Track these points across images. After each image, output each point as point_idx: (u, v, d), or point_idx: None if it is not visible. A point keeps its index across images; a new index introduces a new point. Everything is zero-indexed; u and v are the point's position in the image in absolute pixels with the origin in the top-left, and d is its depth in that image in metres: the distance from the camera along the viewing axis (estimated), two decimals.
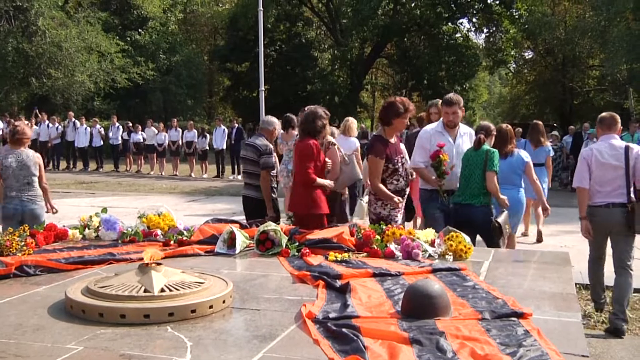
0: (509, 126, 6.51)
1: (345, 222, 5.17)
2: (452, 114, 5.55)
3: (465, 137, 5.71)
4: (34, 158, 6.04)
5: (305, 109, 5.69)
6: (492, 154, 5.34)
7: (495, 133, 5.79)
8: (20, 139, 6.02)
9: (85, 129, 21.01)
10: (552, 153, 9.03)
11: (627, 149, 5.21)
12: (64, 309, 2.73)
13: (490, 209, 5.40)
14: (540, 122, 9.26)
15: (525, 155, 6.23)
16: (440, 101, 6.21)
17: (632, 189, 5.14)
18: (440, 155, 5.25)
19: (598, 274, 5.54)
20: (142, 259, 2.95)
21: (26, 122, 9.88)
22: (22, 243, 3.76)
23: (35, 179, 6.02)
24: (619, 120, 5.46)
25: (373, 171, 5.10)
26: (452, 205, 5.49)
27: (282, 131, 7.16)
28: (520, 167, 6.08)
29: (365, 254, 3.85)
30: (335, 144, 5.77)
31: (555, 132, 18.59)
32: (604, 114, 5.63)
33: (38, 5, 25.88)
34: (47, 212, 6.20)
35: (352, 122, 8.42)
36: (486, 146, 5.44)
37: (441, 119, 5.74)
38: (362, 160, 7.27)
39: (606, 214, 5.18)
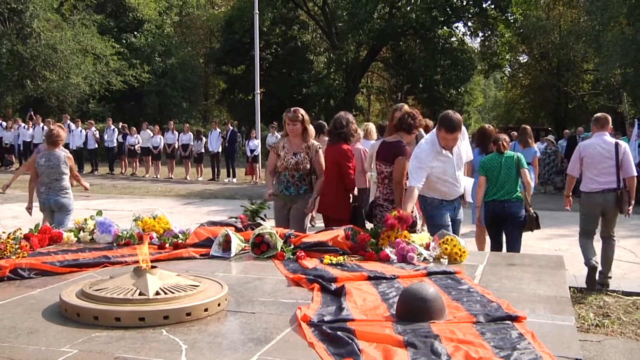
0: (491, 126, 7.58)
1: (363, 225, 5.30)
2: (452, 140, 5.09)
3: (459, 141, 5.62)
4: (64, 158, 6.86)
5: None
6: (520, 156, 6.36)
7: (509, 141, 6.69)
8: (55, 141, 6.86)
9: (80, 131, 20.97)
10: (538, 154, 10.34)
11: (616, 145, 6.38)
12: (58, 312, 2.73)
13: (523, 203, 6.22)
14: (528, 127, 10.54)
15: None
16: (406, 106, 6.22)
17: (620, 177, 6.30)
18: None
19: (589, 244, 6.59)
20: (136, 262, 2.95)
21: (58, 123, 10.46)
22: (17, 246, 3.75)
23: (64, 176, 6.86)
24: (610, 120, 6.61)
25: (404, 172, 5.23)
26: (487, 204, 6.23)
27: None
28: None
29: (360, 257, 3.85)
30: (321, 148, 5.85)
31: (550, 137, 18.64)
32: (598, 114, 6.74)
33: (33, 8, 25.84)
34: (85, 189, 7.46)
35: (372, 126, 9.05)
36: (509, 151, 6.38)
37: (433, 131, 5.23)
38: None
39: (602, 197, 6.38)
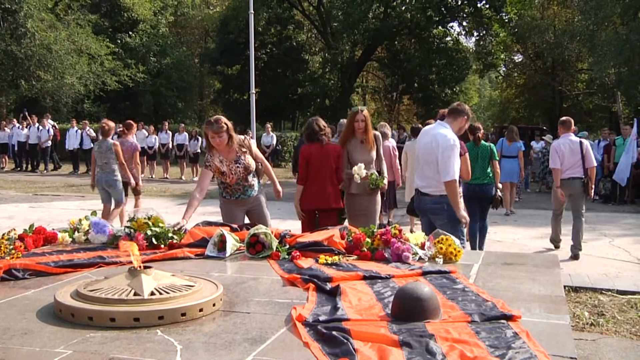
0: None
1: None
2: None
3: None
4: (110, 146, 8.71)
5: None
6: (493, 147, 7.84)
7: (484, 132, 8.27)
8: (105, 132, 8.89)
9: (76, 131, 20.91)
10: (523, 148, 12.25)
11: (580, 143, 8.15)
12: (52, 313, 2.72)
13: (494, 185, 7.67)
14: (514, 126, 12.94)
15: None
16: (365, 109, 6.20)
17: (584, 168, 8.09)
18: None
19: (558, 223, 8.55)
20: (131, 262, 2.95)
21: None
22: (11, 246, 3.73)
23: (112, 160, 8.68)
24: (573, 122, 8.55)
25: (469, 167, 6.15)
26: (469, 185, 7.25)
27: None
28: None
29: (355, 256, 3.85)
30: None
31: (547, 137, 18.67)
32: (564, 118, 8.66)
33: (27, 7, 25.74)
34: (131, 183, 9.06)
35: (387, 127, 10.28)
36: (484, 142, 7.73)
37: (445, 124, 5.23)
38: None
39: (570, 183, 8.14)
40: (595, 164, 8.38)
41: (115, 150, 8.61)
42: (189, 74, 36.43)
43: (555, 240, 8.61)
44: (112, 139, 8.97)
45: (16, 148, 21.64)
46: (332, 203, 6.04)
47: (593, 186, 8.20)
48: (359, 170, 5.84)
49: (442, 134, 5.07)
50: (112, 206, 8.93)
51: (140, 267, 2.89)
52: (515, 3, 31.46)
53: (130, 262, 2.99)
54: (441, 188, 5.06)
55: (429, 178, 5.19)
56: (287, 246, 4.02)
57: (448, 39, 35.39)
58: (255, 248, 3.98)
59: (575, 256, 8.00)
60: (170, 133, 20.29)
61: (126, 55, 30.89)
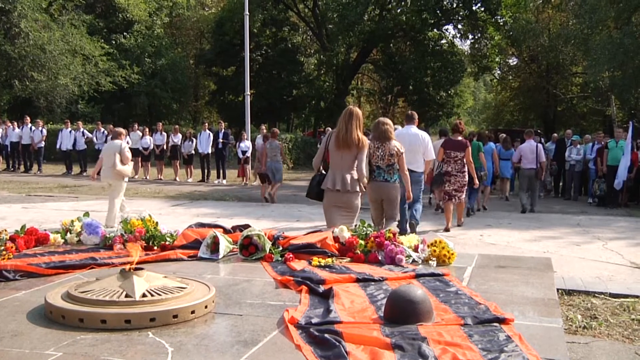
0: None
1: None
2: None
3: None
4: (278, 145, 13.41)
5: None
6: (480, 145, 11.69)
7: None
8: (275, 135, 13.62)
9: (70, 132, 20.84)
10: (514, 152, 14.32)
11: (537, 145, 12.30)
12: (43, 315, 2.70)
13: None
14: (508, 137, 15.47)
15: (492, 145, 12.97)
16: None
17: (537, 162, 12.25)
18: None
19: (523, 195, 12.43)
20: (124, 263, 2.93)
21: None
22: (2, 247, 3.71)
23: (278, 153, 13.30)
24: (533, 132, 13.08)
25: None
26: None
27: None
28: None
29: (348, 259, 3.85)
30: None
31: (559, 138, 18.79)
32: (527, 129, 13.43)
33: (21, 7, 25.59)
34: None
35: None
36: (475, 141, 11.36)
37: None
38: None
39: (529, 171, 12.29)
40: (545, 159, 12.76)
41: (280, 148, 13.41)
42: (184, 75, 36.28)
43: (523, 206, 12.31)
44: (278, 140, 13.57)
45: (9, 149, 21.53)
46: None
47: (544, 173, 12.99)
48: (343, 233, 4.35)
49: (424, 133, 8.35)
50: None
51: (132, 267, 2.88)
52: (510, 6, 31.51)
53: (123, 264, 2.98)
54: (422, 166, 8.14)
55: (418, 161, 8.04)
56: (280, 248, 4.02)
57: (443, 41, 35.43)
58: (249, 250, 3.98)
59: (523, 210, 12.22)
60: (164, 134, 20.22)
61: (121, 56, 30.74)
